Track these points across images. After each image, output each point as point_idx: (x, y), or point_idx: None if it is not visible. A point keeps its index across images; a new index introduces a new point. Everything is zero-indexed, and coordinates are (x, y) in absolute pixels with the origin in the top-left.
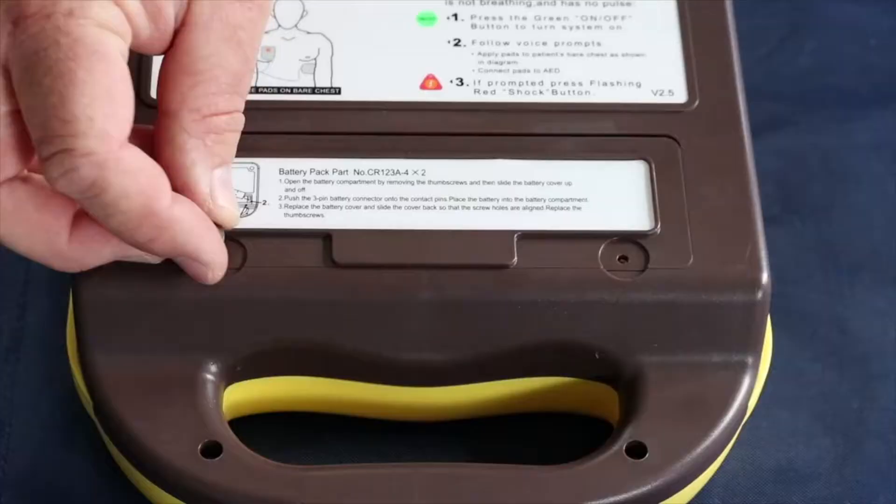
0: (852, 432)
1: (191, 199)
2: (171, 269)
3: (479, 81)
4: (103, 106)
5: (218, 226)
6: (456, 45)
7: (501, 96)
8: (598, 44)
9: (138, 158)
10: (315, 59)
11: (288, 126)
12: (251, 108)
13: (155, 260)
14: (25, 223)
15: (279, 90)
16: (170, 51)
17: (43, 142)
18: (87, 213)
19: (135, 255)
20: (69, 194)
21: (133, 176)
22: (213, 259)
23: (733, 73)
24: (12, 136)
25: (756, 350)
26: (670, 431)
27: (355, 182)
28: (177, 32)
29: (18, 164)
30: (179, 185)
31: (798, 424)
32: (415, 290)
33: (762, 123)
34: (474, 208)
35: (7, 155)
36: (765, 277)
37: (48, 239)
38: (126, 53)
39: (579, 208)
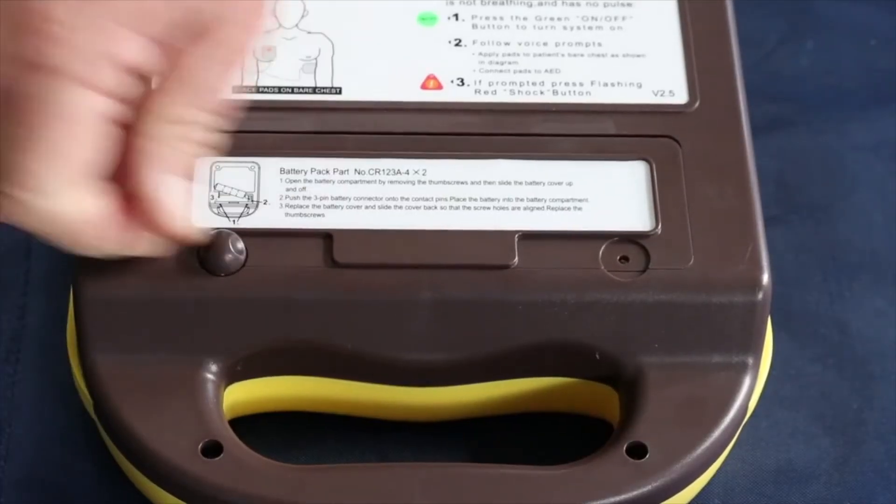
0: (852, 432)
1: (143, 208)
2: (172, 269)
3: (480, 81)
4: (55, 165)
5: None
6: (457, 45)
7: (502, 96)
8: (599, 44)
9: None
10: (316, 58)
11: (289, 126)
12: (252, 108)
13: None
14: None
15: (280, 90)
16: None
17: None
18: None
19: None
20: None
21: (75, 224)
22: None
23: (734, 74)
24: None
25: (756, 350)
26: (671, 432)
27: (356, 182)
28: None
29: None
30: (133, 182)
31: (798, 424)
32: (415, 290)
33: (762, 124)
34: (475, 208)
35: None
36: (765, 278)
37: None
38: (112, 111)
39: (580, 208)
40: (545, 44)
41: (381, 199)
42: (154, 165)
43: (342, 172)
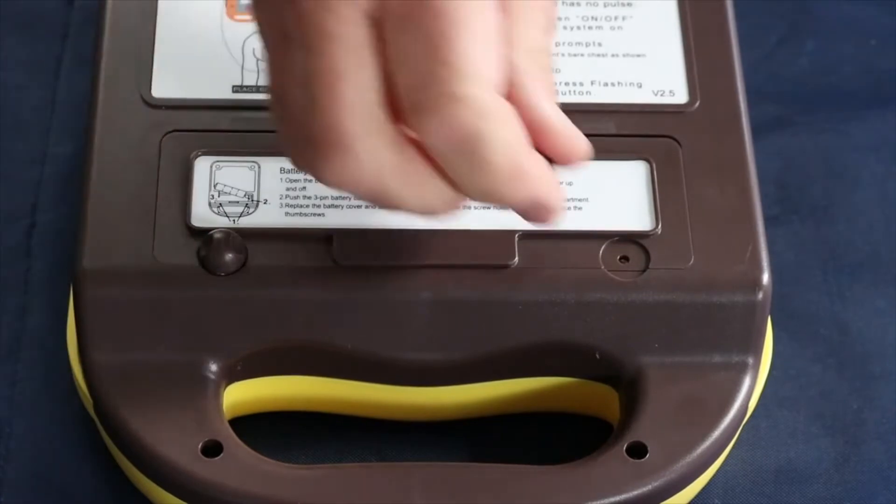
0: (852, 433)
1: (551, 139)
2: (172, 269)
3: None
4: (487, 51)
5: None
6: None
7: None
8: (599, 44)
9: (508, 108)
10: None
11: None
12: (252, 108)
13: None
14: (416, 177)
15: None
16: None
17: (420, 88)
18: None
19: None
20: (441, 147)
21: (506, 127)
22: (558, 202)
23: (734, 74)
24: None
25: (756, 350)
26: (671, 432)
27: None
28: None
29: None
30: (535, 129)
31: (798, 424)
32: (415, 289)
33: (762, 123)
34: (475, 208)
35: (387, 110)
36: (765, 278)
37: (437, 187)
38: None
39: (580, 208)
40: None
41: None
42: (543, 95)
43: None
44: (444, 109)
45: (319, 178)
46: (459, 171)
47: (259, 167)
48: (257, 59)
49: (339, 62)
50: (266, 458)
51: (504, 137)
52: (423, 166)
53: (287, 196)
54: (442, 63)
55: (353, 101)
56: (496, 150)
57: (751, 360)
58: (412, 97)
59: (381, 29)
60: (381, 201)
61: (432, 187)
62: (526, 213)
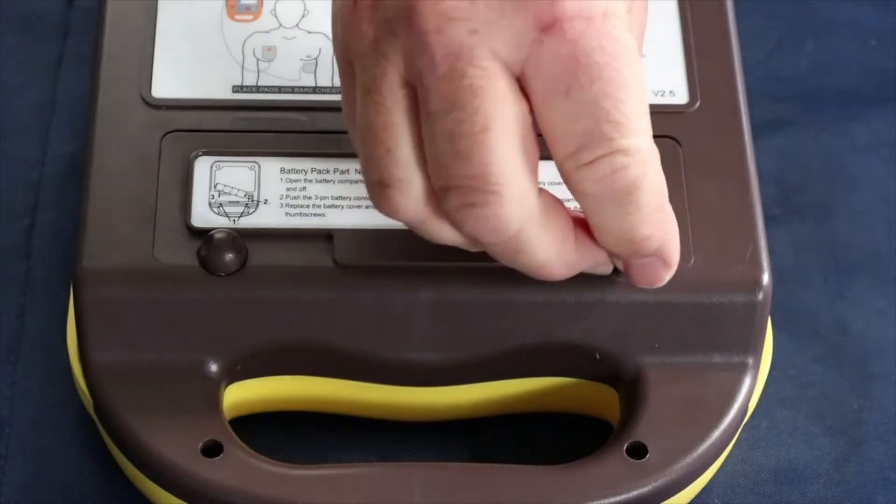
0: (852, 433)
1: None
2: (172, 269)
3: None
4: (644, 103)
5: None
6: None
7: None
8: None
9: (657, 152)
10: (316, 58)
11: (289, 125)
12: (252, 108)
13: (607, 271)
14: (550, 229)
15: (280, 89)
16: None
17: (587, 147)
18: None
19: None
20: (599, 194)
21: (660, 171)
22: (677, 258)
23: (734, 74)
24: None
25: (757, 350)
26: (671, 432)
27: (356, 181)
28: None
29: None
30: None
31: (798, 424)
32: (415, 290)
33: (762, 124)
34: None
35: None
36: (766, 278)
37: (562, 245)
38: None
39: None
40: None
41: None
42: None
43: (342, 172)
44: (613, 163)
45: (462, 227)
46: (607, 215)
47: (259, 167)
48: (257, 59)
49: (487, 113)
50: (266, 458)
51: (657, 181)
52: (558, 220)
53: (287, 196)
54: (609, 122)
55: (502, 150)
56: (650, 192)
57: (751, 361)
58: (576, 154)
59: (524, 83)
60: (515, 251)
61: (562, 244)
62: (645, 269)
